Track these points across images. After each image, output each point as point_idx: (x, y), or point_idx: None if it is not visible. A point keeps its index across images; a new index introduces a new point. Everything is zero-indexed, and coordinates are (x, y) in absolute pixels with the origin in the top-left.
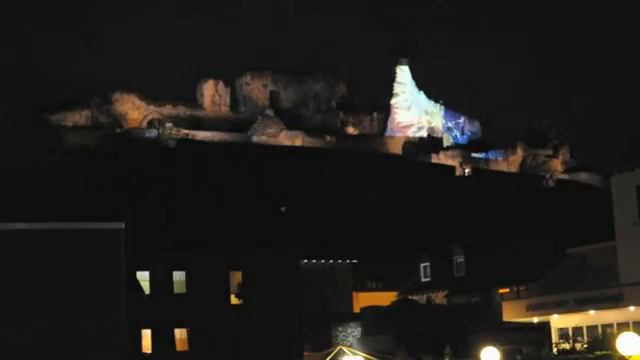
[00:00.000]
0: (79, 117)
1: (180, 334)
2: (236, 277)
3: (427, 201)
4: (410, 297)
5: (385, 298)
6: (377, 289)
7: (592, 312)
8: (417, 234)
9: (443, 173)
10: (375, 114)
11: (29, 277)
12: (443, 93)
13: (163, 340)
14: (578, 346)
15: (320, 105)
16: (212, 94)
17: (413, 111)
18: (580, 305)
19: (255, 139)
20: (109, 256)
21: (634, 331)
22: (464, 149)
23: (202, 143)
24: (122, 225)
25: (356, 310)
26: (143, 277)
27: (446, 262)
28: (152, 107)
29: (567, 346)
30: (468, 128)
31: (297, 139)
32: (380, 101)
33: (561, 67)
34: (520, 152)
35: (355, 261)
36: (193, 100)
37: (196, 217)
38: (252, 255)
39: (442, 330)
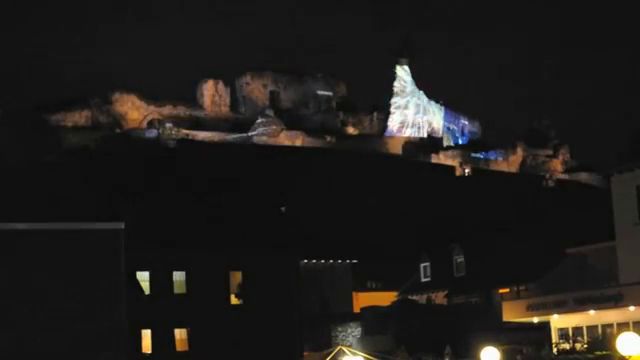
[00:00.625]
0: (79, 117)
1: (180, 334)
2: (236, 277)
3: (427, 201)
4: (410, 297)
5: (385, 298)
6: (377, 289)
7: (592, 312)
8: (417, 234)
9: (443, 173)
10: (375, 114)
11: (29, 277)
12: (443, 93)
13: (163, 340)
14: (578, 346)
15: (320, 105)
16: (212, 94)
17: (413, 111)
18: (580, 305)
19: (255, 139)
20: (109, 256)
21: (634, 331)
22: (464, 149)
23: (202, 143)
24: (122, 225)
25: (356, 310)
26: (143, 277)
27: (446, 262)
28: (152, 107)
29: (567, 346)
30: (468, 128)
31: (297, 139)
32: (380, 101)
33: (561, 67)
34: (520, 152)
35: (355, 261)
36: (193, 100)
37: (196, 217)
38: (252, 255)
39: (442, 330)
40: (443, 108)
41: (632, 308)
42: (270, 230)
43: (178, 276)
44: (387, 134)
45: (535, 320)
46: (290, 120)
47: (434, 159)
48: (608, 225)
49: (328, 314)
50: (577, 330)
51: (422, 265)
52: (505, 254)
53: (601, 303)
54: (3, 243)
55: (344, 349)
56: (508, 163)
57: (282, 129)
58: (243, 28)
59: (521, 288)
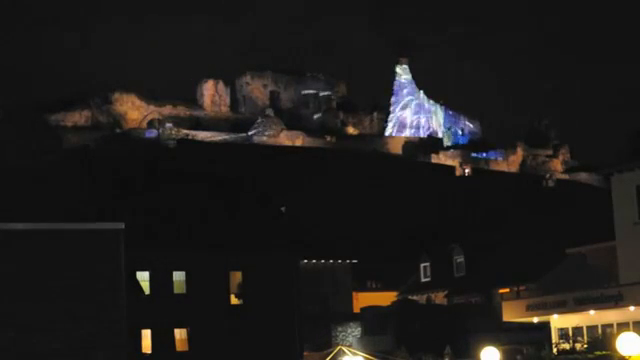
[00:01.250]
0: (79, 117)
1: (180, 334)
2: (236, 277)
3: (427, 201)
4: (410, 297)
5: (385, 298)
6: (377, 289)
7: (592, 312)
8: (417, 234)
9: (443, 173)
10: (375, 114)
11: (28, 277)
12: (443, 93)
13: (163, 340)
14: (578, 346)
15: (320, 105)
16: (212, 94)
17: (413, 111)
18: (580, 305)
19: (255, 139)
20: (109, 256)
21: (634, 331)
22: (464, 149)
23: (202, 143)
24: (122, 225)
25: (356, 310)
26: (143, 277)
27: (446, 262)
28: (152, 107)
29: (567, 346)
30: (468, 128)
31: (297, 139)
32: (380, 101)
33: (562, 67)
34: (520, 152)
35: (355, 261)
36: (193, 100)
37: (196, 217)
38: (252, 255)
39: (442, 330)
40: (443, 108)
41: (632, 308)
42: (270, 230)
43: (178, 276)
44: (387, 134)
45: (535, 320)
46: (290, 120)
47: (434, 159)
48: (608, 225)
49: (328, 314)
50: (577, 330)
51: (422, 265)
52: (505, 254)
53: (601, 303)
54: (2, 243)
55: (344, 349)
56: (508, 163)
57: (282, 129)
58: (243, 28)
59: (521, 288)
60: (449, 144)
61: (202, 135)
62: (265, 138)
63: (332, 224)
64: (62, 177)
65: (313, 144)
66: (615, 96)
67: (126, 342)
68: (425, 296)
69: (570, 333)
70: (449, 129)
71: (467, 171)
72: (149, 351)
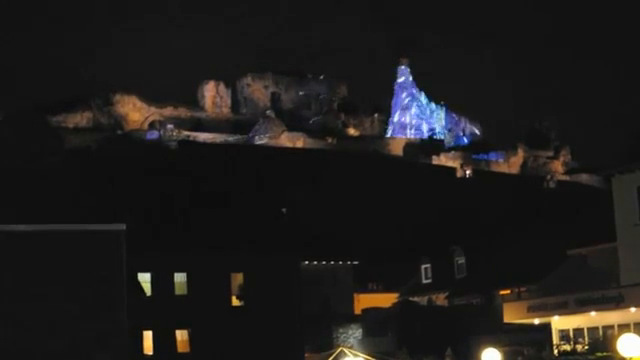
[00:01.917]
0: (80, 118)
1: (181, 335)
2: (237, 278)
3: (428, 203)
4: (411, 299)
5: (386, 299)
6: (378, 290)
7: (593, 313)
8: (418, 235)
9: (444, 175)
10: (376, 115)
11: (30, 279)
12: (444, 94)
13: (164, 341)
14: (579, 347)
15: (321, 106)
16: (213, 95)
17: (414, 112)
18: (581, 306)
19: (256, 141)
20: (110, 258)
21: (635, 332)
22: (465, 150)
23: (203, 145)
24: (123, 227)
25: (357, 311)
26: (144, 278)
27: (447, 263)
28: (153, 108)
29: (568, 347)
30: (469, 130)
31: (298, 140)
32: (381, 102)
33: (562, 68)
34: (521, 153)
35: (356, 262)
36: (194, 101)
37: (197, 219)
38: (253, 256)
39: (443, 332)
40: (444, 109)
41: (633, 309)
42: (271, 231)
43: (179, 277)
44: (388, 135)
45: (536, 321)
46: (291, 121)
47: (435, 160)
48: (609, 226)
49: (329, 315)
50: (578, 331)
51: (423, 267)
52: (506, 255)
53: (602, 304)
54: (4, 245)
55: (345, 350)
56: (509, 164)
57: (283, 130)
58: (244, 29)
59: (522, 289)
60: (450, 145)
61: (203, 136)
62: (266, 139)
63: (333, 225)
64: (63, 178)
65: (314, 145)
66: (616, 97)
67: (127, 343)
68: (426, 297)
69: (571, 334)
70: (450, 130)
71: (468, 172)
72: (150, 352)
